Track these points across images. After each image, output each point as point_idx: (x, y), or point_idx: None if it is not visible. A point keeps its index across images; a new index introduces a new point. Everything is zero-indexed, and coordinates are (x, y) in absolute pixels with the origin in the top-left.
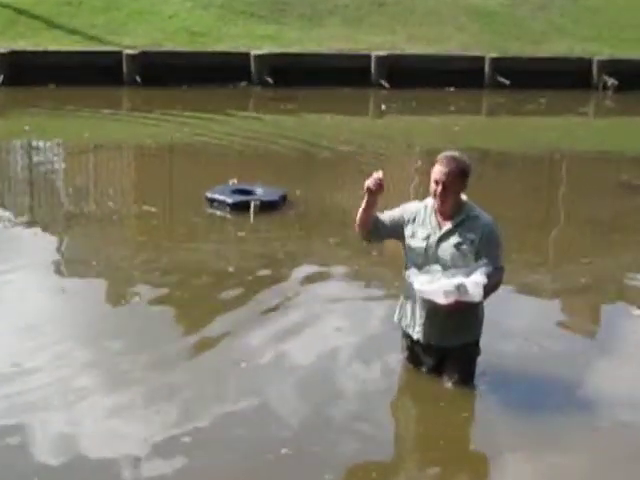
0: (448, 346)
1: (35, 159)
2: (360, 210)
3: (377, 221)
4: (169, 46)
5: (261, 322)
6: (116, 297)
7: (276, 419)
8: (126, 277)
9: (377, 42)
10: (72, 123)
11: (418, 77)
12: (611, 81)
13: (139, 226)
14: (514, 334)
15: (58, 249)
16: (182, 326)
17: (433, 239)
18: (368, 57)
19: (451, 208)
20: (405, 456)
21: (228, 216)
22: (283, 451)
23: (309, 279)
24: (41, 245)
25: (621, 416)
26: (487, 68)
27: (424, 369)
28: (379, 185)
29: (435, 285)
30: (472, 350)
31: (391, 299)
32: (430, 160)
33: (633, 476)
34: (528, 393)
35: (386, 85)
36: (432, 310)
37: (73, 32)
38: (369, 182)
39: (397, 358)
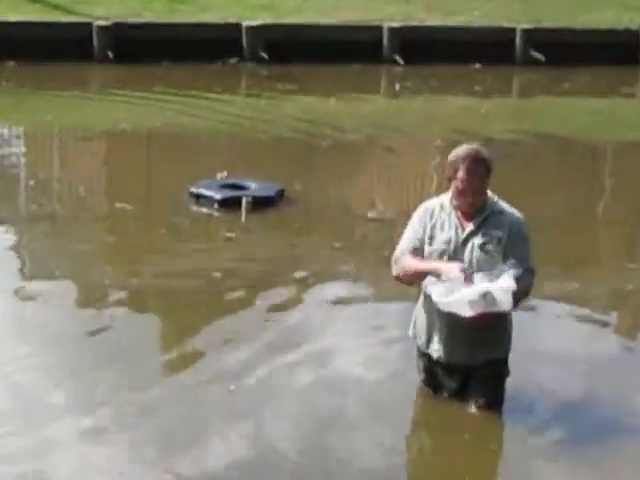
0: (473, 364)
1: None
2: (413, 270)
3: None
4: (146, 17)
5: (253, 336)
6: (86, 309)
7: (271, 450)
8: (98, 286)
9: (390, 12)
10: (34, 105)
11: (437, 52)
12: None
13: (112, 227)
14: (548, 351)
15: (18, 255)
16: (162, 341)
17: (455, 243)
18: (379, 29)
19: (476, 209)
20: None
21: (216, 215)
22: None
23: (309, 288)
24: None
25: None
26: (518, 41)
27: (445, 393)
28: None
29: (457, 295)
30: (500, 368)
31: (404, 312)
32: (452, 148)
33: None
34: (566, 421)
35: (400, 61)
36: (453, 324)
37: (35, 0)
38: (451, 271)
39: (412, 379)
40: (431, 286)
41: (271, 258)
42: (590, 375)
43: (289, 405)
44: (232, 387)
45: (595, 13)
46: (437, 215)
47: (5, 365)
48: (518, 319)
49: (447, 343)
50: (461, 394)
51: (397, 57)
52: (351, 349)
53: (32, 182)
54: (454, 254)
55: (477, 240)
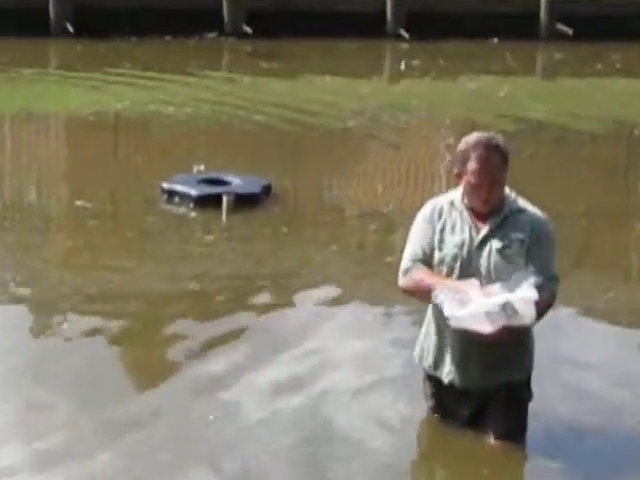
0: (490, 388)
1: None
2: (427, 286)
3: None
4: None
5: (234, 357)
6: (39, 328)
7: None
8: (54, 299)
9: None
10: None
11: (448, 25)
12: None
13: (72, 228)
14: (579, 373)
15: None
16: (128, 366)
17: (469, 247)
18: None
19: (492, 207)
20: None
21: (192, 214)
22: None
23: (299, 298)
24: None
25: None
26: (542, 13)
27: (457, 422)
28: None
29: (471, 308)
30: (522, 392)
31: (409, 325)
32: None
33: None
34: (601, 456)
35: (406, 36)
36: (467, 342)
37: None
38: (493, 332)
39: (419, 408)
40: (443, 297)
41: (255, 264)
42: (631, 403)
43: (277, 432)
44: (211, 417)
45: None
46: (446, 214)
47: None
48: (540, 332)
49: (460, 365)
50: (476, 423)
51: (402, 31)
52: (345, 366)
53: None
54: (468, 260)
55: (495, 243)
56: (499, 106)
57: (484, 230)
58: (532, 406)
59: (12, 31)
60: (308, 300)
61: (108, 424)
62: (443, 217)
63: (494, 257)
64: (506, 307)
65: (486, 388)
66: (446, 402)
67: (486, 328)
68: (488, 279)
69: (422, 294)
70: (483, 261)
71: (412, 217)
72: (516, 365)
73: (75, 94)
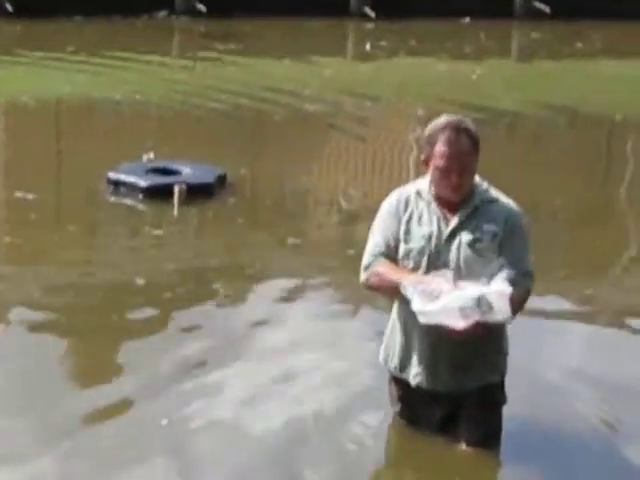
0: (462, 391)
1: None
2: (391, 281)
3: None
4: None
5: (185, 353)
6: None
7: None
8: None
9: None
10: None
11: (417, 3)
12: None
13: (10, 221)
14: (556, 375)
15: None
16: (71, 368)
17: (437, 240)
18: None
19: (462, 196)
20: None
21: (140, 206)
22: None
23: (254, 294)
24: None
25: None
26: None
27: (426, 427)
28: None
29: (443, 302)
30: (495, 395)
31: (372, 321)
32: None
33: None
34: (577, 462)
35: (371, 15)
36: (436, 341)
37: None
38: (466, 328)
39: (385, 412)
40: (411, 289)
41: (208, 258)
42: (604, 402)
43: (234, 441)
44: (164, 421)
45: None
46: (413, 205)
47: None
48: (514, 332)
49: (428, 366)
50: (447, 428)
51: (367, 10)
52: (303, 364)
53: None
54: (436, 254)
55: (465, 236)
56: (471, 90)
57: (453, 222)
58: (506, 410)
59: None
60: (263, 296)
61: (50, 425)
62: (409, 208)
63: (464, 251)
64: (481, 301)
65: (457, 391)
66: (414, 406)
67: (459, 323)
68: (457, 274)
69: (386, 290)
70: (452, 255)
71: (376, 207)
72: (489, 367)
73: (14, 79)
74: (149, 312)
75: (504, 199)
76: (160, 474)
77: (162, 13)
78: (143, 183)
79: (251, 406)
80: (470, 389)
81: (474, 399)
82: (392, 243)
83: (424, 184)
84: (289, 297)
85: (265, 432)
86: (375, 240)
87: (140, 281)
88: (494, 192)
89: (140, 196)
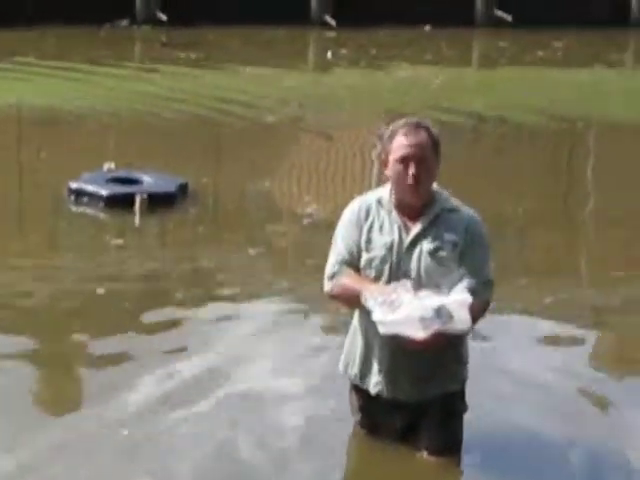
0: (422, 400)
1: None
2: (354, 291)
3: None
4: None
5: (144, 363)
6: None
7: None
8: None
9: None
10: None
11: (378, 12)
12: None
13: None
14: (517, 382)
15: None
16: (29, 376)
17: (399, 249)
18: None
19: (422, 201)
20: None
21: (101, 216)
22: None
23: (218, 305)
24: None
25: None
26: None
27: (387, 436)
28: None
29: (404, 312)
30: (456, 404)
31: (338, 335)
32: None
33: None
34: (539, 469)
35: (332, 23)
36: (397, 350)
37: None
38: (426, 338)
39: (345, 421)
40: (372, 301)
41: (169, 268)
42: (564, 406)
43: (192, 456)
44: (125, 432)
45: None
46: (374, 213)
47: None
48: (475, 339)
49: (389, 375)
50: (408, 437)
51: (328, 18)
52: (261, 374)
53: None
54: (397, 263)
55: (426, 245)
56: (432, 98)
57: (414, 230)
58: (467, 418)
59: None
60: (224, 304)
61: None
62: (370, 216)
63: (425, 260)
64: (441, 311)
65: (418, 400)
66: (375, 415)
67: (419, 334)
68: (418, 283)
69: (350, 300)
70: (413, 264)
71: (337, 216)
72: (449, 376)
73: None
74: (109, 322)
75: (464, 208)
76: None
77: (123, 22)
78: (104, 192)
79: (203, 410)
80: (431, 398)
81: (435, 408)
82: (355, 251)
83: (385, 192)
84: (250, 305)
85: (224, 441)
86: (338, 249)
87: (100, 290)
88: (454, 201)
89: (101, 205)
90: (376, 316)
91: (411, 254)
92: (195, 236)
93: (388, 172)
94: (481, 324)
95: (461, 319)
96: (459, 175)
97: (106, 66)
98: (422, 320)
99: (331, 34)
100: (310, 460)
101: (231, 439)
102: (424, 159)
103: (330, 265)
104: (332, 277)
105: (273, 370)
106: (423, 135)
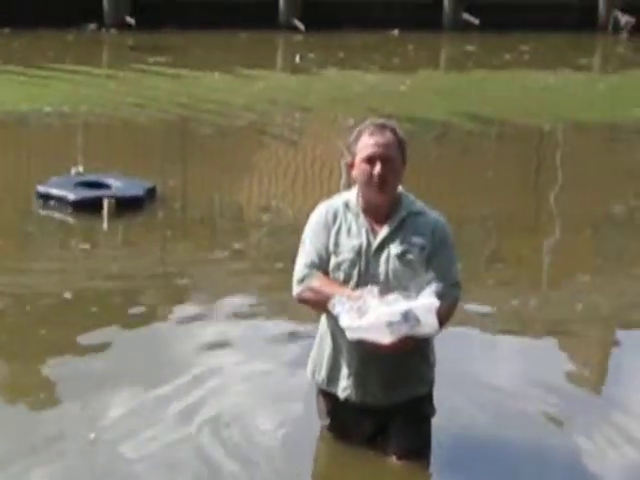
0: (390, 404)
1: None
2: (325, 295)
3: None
4: None
5: (112, 375)
6: None
7: None
8: None
9: None
10: None
11: (346, 16)
12: (625, 19)
13: None
14: (483, 386)
15: None
16: None
17: (367, 251)
18: None
19: (388, 202)
20: None
21: (69, 220)
22: None
23: (184, 308)
24: None
25: None
26: (447, 2)
27: (356, 441)
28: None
29: (371, 317)
30: (424, 407)
31: (308, 339)
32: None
33: None
34: (507, 470)
35: (301, 27)
36: (365, 354)
37: None
38: (395, 343)
39: (313, 426)
40: (339, 306)
41: (137, 273)
42: (532, 413)
43: (158, 461)
44: (92, 435)
45: None
46: (341, 216)
47: None
48: (442, 343)
49: (357, 379)
50: (376, 441)
51: (296, 22)
52: (235, 385)
53: None
54: (366, 266)
55: (394, 249)
56: (400, 101)
57: (382, 233)
58: (435, 421)
59: None
60: (191, 307)
61: None
62: (338, 220)
63: (393, 263)
64: (408, 316)
65: (386, 404)
66: (343, 420)
67: (385, 339)
68: (387, 286)
69: (319, 303)
70: (381, 267)
71: (306, 220)
72: (417, 379)
73: None
74: (75, 326)
75: (430, 211)
76: None
77: (91, 26)
78: (72, 196)
79: (173, 417)
80: (399, 402)
81: (403, 412)
82: (324, 254)
83: (352, 196)
84: (217, 309)
85: (193, 446)
86: (306, 252)
87: (67, 295)
88: (420, 204)
89: (69, 209)
90: (344, 322)
91: (379, 257)
92: (163, 240)
93: (354, 173)
94: (447, 327)
95: (428, 323)
96: (426, 177)
97: (73, 70)
98: (389, 325)
99: (299, 38)
100: (278, 465)
101: (198, 442)
102: (390, 159)
103: (299, 268)
104: (302, 281)
105: (240, 374)
106: (389, 135)
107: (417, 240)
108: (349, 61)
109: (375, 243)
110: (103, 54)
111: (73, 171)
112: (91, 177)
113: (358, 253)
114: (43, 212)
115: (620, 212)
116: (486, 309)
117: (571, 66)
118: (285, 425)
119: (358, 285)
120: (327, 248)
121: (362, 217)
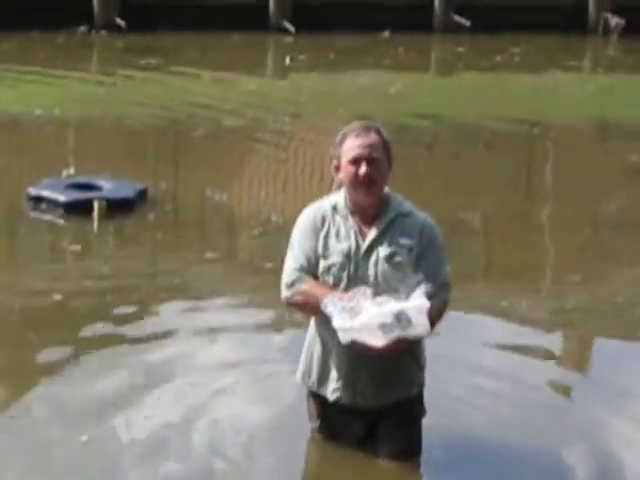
0: (381, 406)
1: None
2: (313, 297)
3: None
4: None
5: (103, 376)
6: None
7: None
8: None
9: None
10: None
11: (336, 18)
12: (615, 21)
13: None
14: (475, 385)
15: None
16: None
17: (356, 254)
18: None
19: (376, 204)
20: None
21: (60, 222)
22: None
23: (176, 312)
24: None
25: None
26: (437, 3)
27: (346, 443)
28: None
29: (363, 319)
30: (415, 408)
31: (290, 337)
32: None
33: None
34: (499, 470)
35: (291, 29)
36: (356, 356)
37: None
38: (387, 346)
39: (304, 428)
40: (332, 307)
41: (127, 275)
42: (528, 415)
43: (152, 463)
44: (84, 438)
45: None
46: (330, 219)
47: None
48: (431, 343)
49: (348, 381)
50: (367, 443)
51: (287, 24)
52: (225, 386)
53: None
54: (355, 268)
55: (382, 251)
56: (390, 103)
57: (370, 235)
58: (426, 421)
59: None
60: (181, 310)
61: None
62: (326, 223)
63: (382, 265)
64: (400, 317)
65: (376, 406)
66: (333, 422)
67: (378, 341)
68: (376, 289)
69: (310, 307)
70: (370, 270)
71: (295, 222)
72: (407, 380)
73: None
74: (66, 328)
75: (418, 212)
76: None
77: (81, 28)
78: (63, 198)
79: (165, 420)
80: (389, 404)
81: (393, 413)
82: (312, 258)
83: (340, 198)
84: (207, 311)
85: (185, 447)
86: (295, 256)
87: (57, 297)
88: (408, 205)
89: (60, 211)
90: (336, 323)
91: (368, 260)
92: (153, 242)
93: (341, 176)
94: (437, 328)
95: (420, 324)
96: (416, 179)
97: (64, 72)
98: (382, 327)
99: (289, 40)
100: (269, 466)
101: (187, 442)
102: (376, 160)
103: (288, 273)
104: (291, 285)
105: (230, 376)
106: (374, 136)
107: (405, 241)
108: (339, 63)
109: (364, 246)
110: (93, 56)
111: (64, 173)
112: (82, 179)
113: (347, 256)
114: (34, 214)
115: (612, 212)
116: (475, 309)
117: (561, 67)
118: (275, 427)
119: (348, 288)
120: (316, 251)
121: (350, 219)
